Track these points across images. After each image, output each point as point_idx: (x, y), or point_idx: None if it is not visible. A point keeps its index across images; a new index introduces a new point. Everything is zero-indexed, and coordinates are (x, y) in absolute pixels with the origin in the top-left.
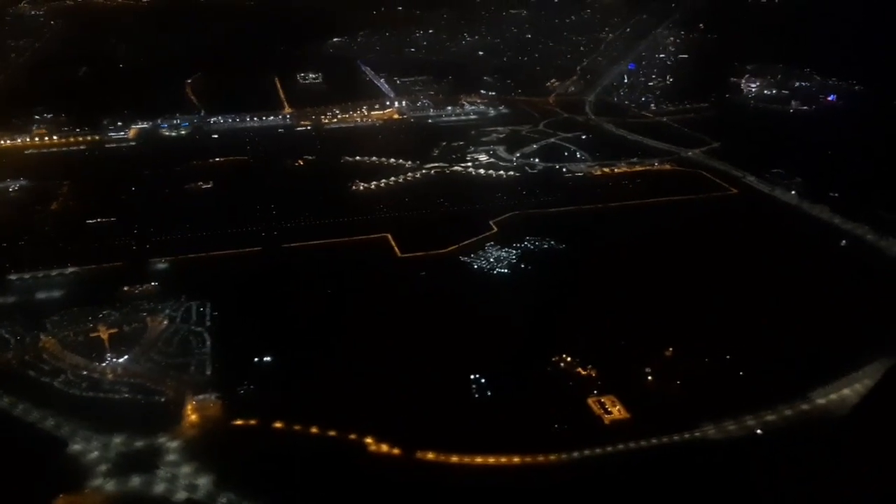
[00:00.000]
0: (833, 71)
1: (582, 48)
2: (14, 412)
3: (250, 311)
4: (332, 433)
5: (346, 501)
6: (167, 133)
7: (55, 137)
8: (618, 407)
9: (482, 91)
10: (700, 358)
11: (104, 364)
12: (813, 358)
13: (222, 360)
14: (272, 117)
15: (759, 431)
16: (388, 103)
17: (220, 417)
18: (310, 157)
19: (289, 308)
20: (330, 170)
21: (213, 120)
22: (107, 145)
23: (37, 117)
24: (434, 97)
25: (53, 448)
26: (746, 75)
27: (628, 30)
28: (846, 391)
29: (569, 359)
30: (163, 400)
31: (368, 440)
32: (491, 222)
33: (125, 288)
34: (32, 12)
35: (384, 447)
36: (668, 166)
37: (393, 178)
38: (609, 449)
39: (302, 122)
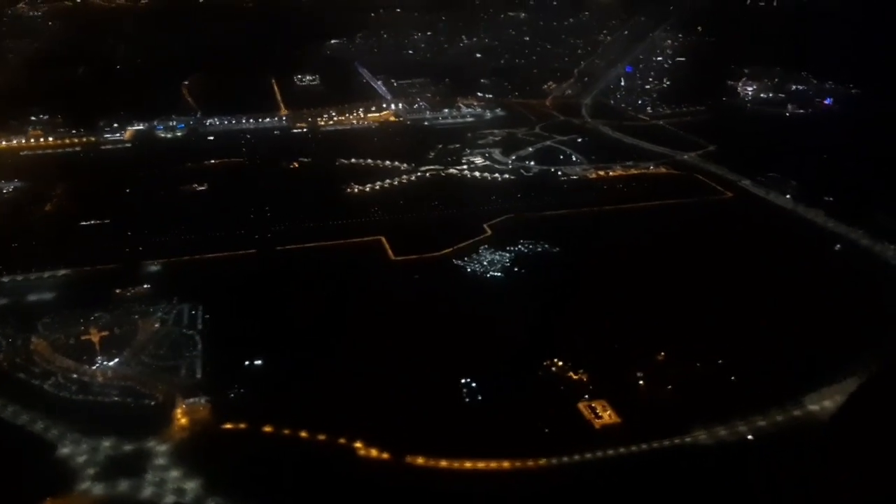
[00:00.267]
0: (830, 74)
1: (579, 51)
2: (3, 414)
3: (242, 313)
4: (321, 437)
5: None
6: (163, 135)
7: (51, 139)
8: (608, 411)
9: (479, 93)
10: (692, 362)
11: (94, 367)
12: (806, 363)
13: (213, 364)
14: (268, 119)
15: (749, 437)
16: (384, 105)
17: (209, 421)
18: (305, 160)
19: (281, 311)
20: (325, 172)
21: (208, 121)
22: (102, 147)
23: (33, 118)
24: (431, 99)
25: (42, 451)
26: (743, 78)
27: (626, 32)
28: (839, 397)
29: (560, 363)
30: (153, 403)
31: (358, 444)
32: (485, 225)
33: (117, 290)
34: (31, 13)
35: (373, 452)
36: (663, 169)
37: (388, 181)
38: (598, 454)
39: (298, 124)
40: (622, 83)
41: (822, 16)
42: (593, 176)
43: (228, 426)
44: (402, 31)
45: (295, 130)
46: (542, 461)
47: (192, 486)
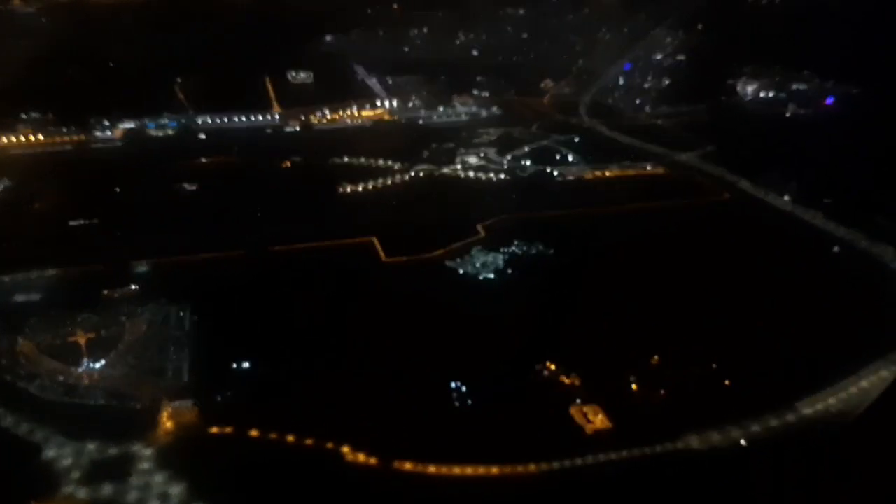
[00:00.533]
0: (831, 73)
1: (578, 48)
2: None
3: (230, 315)
4: (308, 442)
5: None
6: (154, 133)
7: (41, 137)
8: (600, 416)
9: (475, 91)
10: (686, 366)
11: (80, 369)
12: (801, 367)
13: (200, 366)
14: (260, 117)
15: (742, 442)
16: (378, 103)
17: (195, 425)
18: (297, 159)
19: (270, 313)
20: (318, 171)
21: (200, 120)
22: (93, 145)
23: (24, 116)
24: (426, 97)
25: (27, 454)
26: (743, 77)
27: (626, 30)
28: (832, 401)
29: (553, 366)
30: (138, 406)
31: (345, 449)
32: (479, 226)
33: (105, 291)
34: (25, 10)
35: (361, 457)
36: (661, 170)
37: (381, 181)
38: (589, 459)
39: (291, 123)
40: (621, 82)
41: (823, 15)
42: (589, 176)
43: (215, 430)
44: (399, 27)
45: (288, 129)
46: (532, 467)
47: (176, 490)
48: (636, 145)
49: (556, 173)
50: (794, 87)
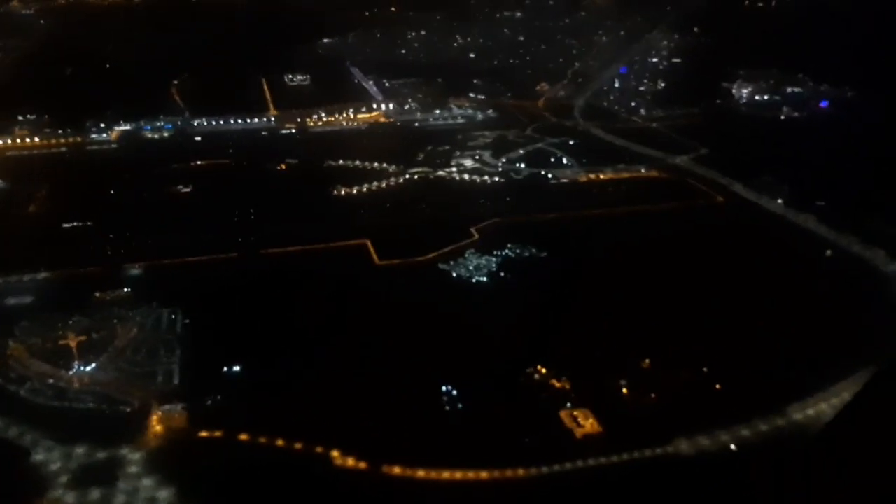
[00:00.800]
0: (826, 76)
1: (574, 51)
2: None
3: (222, 319)
4: (297, 446)
5: None
6: (150, 135)
7: (37, 139)
8: (590, 420)
9: (471, 94)
10: (677, 370)
11: (71, 372)
12: (792, 371)
13: (191, 370)
14: (256, 119)
15: (732, 447)
16: (374, 106)
17: (185, 429)
18: (292, 161)
19: (261, 317)
20: (312, 174)
21: (196, 122)
22: (88, 147)
23: (20, 118)
24: (422, 100)
25: (16, 457)
26: (738, 80)
27: (622, 33)
28: (823, 406)
29: (543, 370)
30: (128, 410)
31: (335, 453)
32: (472, 229)
33: (97, 294)
34: (23, 11)
35: (350, 461)
36: (654, 173)
37: (376, 183)
38: (579, 464)
39: (286, 125)
40: (616, 84)
41: (818, 18)
42: (583, 179)
43: (204, 434)
44: (396, 30)
45: (283, 131)
46: (521, 471)
47: (164, 495)
48: (631, 148)
49: (550, 176)
50: (789, 90)
